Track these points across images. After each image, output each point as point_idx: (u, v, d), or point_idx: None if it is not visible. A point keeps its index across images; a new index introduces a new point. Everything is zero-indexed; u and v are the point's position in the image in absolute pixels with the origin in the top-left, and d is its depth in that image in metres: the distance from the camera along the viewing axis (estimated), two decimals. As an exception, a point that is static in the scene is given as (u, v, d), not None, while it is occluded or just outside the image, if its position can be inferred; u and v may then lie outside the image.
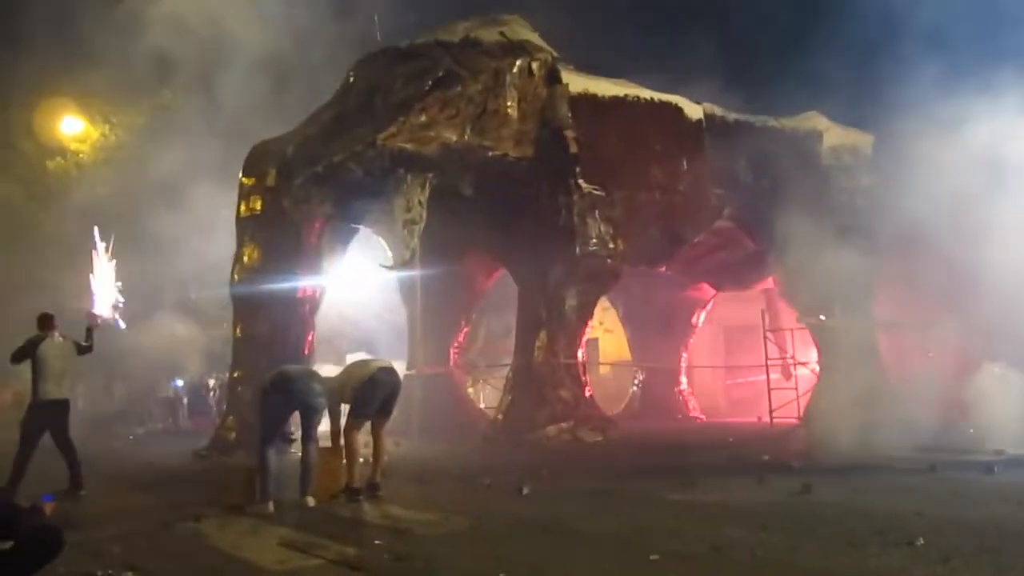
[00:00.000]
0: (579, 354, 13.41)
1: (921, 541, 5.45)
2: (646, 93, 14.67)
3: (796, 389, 15.55)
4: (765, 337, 15.87)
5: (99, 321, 9.57)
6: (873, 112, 16.42)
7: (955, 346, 12.98)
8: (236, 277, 13.01)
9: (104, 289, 13.89)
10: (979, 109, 12.40)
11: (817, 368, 15.47)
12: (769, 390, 15.57)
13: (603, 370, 21.33)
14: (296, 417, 7.70)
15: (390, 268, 13.79)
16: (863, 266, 13.69)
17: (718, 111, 15.40)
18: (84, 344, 9.11)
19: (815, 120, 16.33)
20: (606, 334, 21.16)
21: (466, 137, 12.71)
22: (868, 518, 6.32)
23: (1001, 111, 12.29)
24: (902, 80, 13.94)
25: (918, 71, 13.49)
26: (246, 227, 13.21)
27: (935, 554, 5.19)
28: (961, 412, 11.56)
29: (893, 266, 14.18)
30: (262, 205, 13.15)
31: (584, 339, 13.85)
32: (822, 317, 14.85)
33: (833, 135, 16.25)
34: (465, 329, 17.13)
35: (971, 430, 11.04)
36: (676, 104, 14.91)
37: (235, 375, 12.72)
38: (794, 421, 14.66)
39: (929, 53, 13.75)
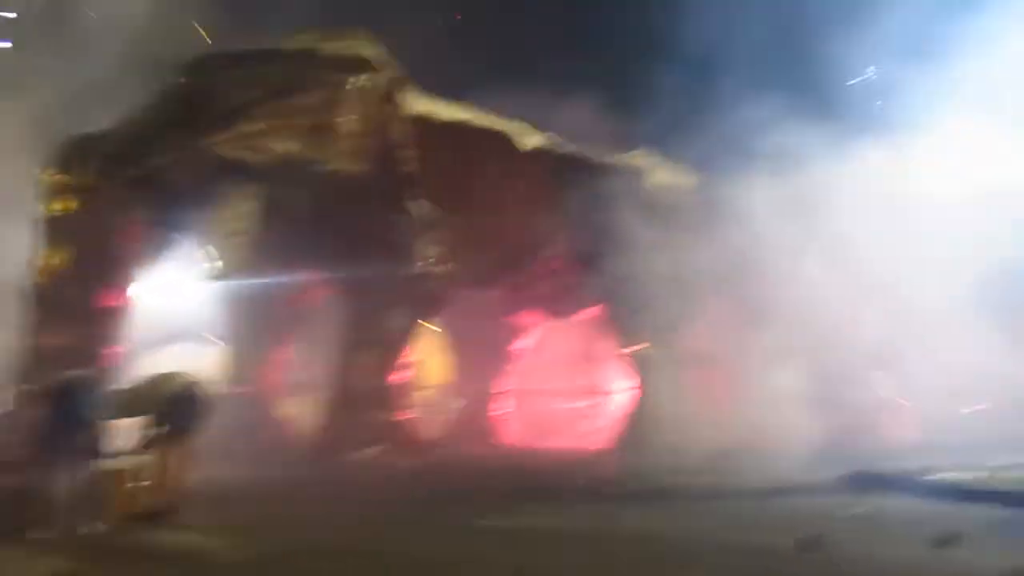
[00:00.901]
0: (401, 376, 13.37)
1: (710, 562, 5.80)
2: (485, 119, 14.92)
3: (610, 416, 16.11)
4: (585, 364, 16.39)
5: None
6: (698, 152, 17.25)
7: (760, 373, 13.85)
8: (37, 280, 12.01)
9: None
10: (799, 151, 13.31)
11: (631, 396, 16.12)
12: (585, 416, 16.08)
13: (425, 393, 21.18)
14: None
15: (212, 279, 13.22)
16: (681, 300, 14.47)
17: (554, 142, 15.87)
18: None
19: (643, 158, 17.09)
20: (430, 356, 21.05)
21: (300, 149, 12.46)
22: (665, 541, 6.67)
23: (819, 156, 13.22)
24: (726, 121, 14.72)
25: (741, 113, 14.28)
26: (53, 227, 12.24)
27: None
28: (760, 438, 12.37)
29: (710, 301, 15.04)
30: (73, 204, 12.24)
31: (407, 361, 13.83)
32: (640, 347, 15.52)
33: (659, 174, 17.06)
34: (285, 346, 16.57)
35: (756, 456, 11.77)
36: (513, 132, 15.26)
37: (24, 389, 11.65)
38: (609, 447, 15.20)
39: (753, 96, 14.49)
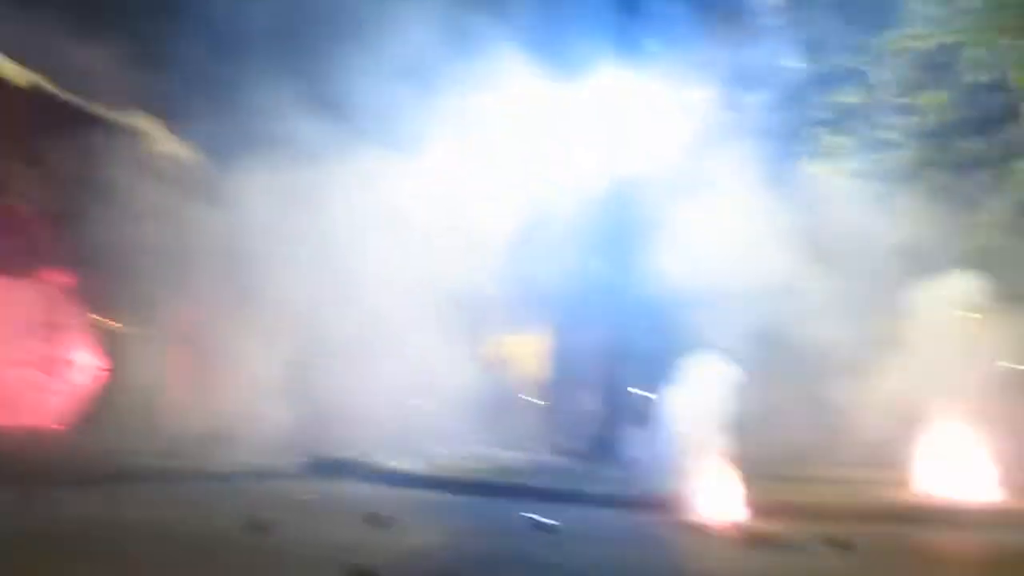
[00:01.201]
0: None
1: (152, 547, 5.74)
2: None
3: (72, 393, 14.77)
4: (47, 333, 14.75)
5: None
6: (207, 129, 16.62)
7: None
8: None
9: None
10: (306, 147, 13.54)
11: (100, 372, 15.01)
12: (41, 391, 14.50)
13: None
14: None
15: None
16: (167, 276, 13.85)
17: (42, 82, 14.09)
18: None
19: (145, 122, 16.04)
20: None
21: None
22: (106, 527, 6.48)
23: (324, 156, 13.56)
24: (240, 104, 14.36)
25: (256, 100, 14.06)
26: None
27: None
28: (233, 422, 12.39)
29: (198, 281, 14.62)
30: None
31: None
32: (114, 321, 14.54)
33: (161, 143, 16.15)
34: None
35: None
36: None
37: None
38: (66, 426, 13.94)
39: (271, 87, 14.31)
